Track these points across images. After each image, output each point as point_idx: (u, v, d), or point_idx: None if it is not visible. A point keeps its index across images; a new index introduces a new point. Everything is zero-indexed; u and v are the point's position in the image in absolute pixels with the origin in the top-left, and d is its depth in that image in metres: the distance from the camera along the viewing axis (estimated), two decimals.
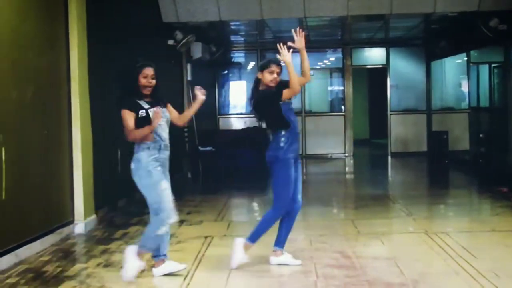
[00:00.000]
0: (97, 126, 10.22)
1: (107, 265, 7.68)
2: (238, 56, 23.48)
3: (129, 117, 7.03)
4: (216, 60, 19.63)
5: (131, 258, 6.90)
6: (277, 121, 7.30)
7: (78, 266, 7.64)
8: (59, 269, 7.50)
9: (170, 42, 15.68)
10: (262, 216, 7.61)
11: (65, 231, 9.30)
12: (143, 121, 7.04)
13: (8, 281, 7.01)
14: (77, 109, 9.59)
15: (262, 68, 7.52)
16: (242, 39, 21.63)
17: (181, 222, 10.30)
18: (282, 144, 7.27)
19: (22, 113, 8.16)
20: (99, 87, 10.43)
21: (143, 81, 7.10)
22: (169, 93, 15.47)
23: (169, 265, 7.16)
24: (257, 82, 7.51)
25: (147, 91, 7.16)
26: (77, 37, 9.63)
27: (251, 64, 23.02)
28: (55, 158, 9.22)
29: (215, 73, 21.89)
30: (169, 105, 7.55)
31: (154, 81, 7.20)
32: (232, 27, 18.58)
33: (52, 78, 9.19)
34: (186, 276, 7.08)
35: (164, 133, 7.27)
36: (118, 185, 11.53)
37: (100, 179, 10.35)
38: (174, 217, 7.06)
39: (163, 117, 7.19)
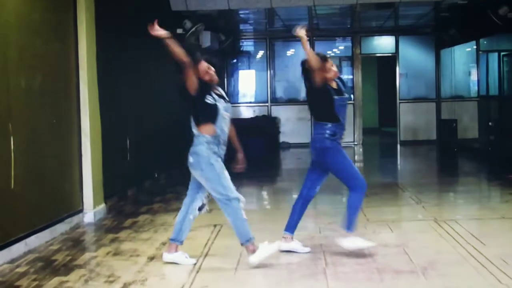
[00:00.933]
0: (106, 115, 10.22)
1: (116, 253, 7.70)
2: (247, 45, 23.45)
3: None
4: (225, 49, 19.62)
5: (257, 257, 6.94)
6: (327, 115, 7.34)
7: (87, 255, 7.67)
8: (69, 258, 7.52)
9: (179, 31, 15.66)
10: (347, 202, 7.52)
11: (74, 220, 9.32)
12: (210, 109, 7.04)
13: (17, 270, 7.03)
14: (85, 97, 9.58)
15: (324, 58, 7.50)
16: (251, 27, 21.63)
17: None
18: (327, 135, 7.27)
19: (30, 102, 8.17)
20: (108, 75, 10.43)
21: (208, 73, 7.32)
22: (177, 81, 15.50)
23: (179, 256, 7.15)
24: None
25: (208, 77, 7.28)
26: (85, 25, 9.62)
27: (260, 53, 22.98)
28: (64, 147, 9.23)
29: (224, 62, 21.86)
30: None
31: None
32: (241, 15, 18.58)
33: (61, 67, 9.19)
34: (195, 264, 7.09)
35: (226, 128, 7.11)
36: (127, 174, 11.55)
37: (109, 168, 10.36)
38: (242, 199, 7.11)
39: (227, 111, 7.12)
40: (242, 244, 7.03)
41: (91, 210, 9.64)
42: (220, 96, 7.20)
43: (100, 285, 6.46)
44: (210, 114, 6.98)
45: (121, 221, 9.58)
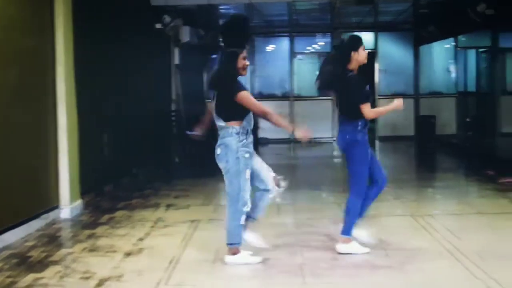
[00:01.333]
0: (83, 111, 10.15)
1: (92, 249, 7.65)
2: None
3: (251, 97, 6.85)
4: (205, 44, 19.57)
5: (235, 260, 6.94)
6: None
7: (63, 251, 7.63)
8: (44, 254, 7.46)
9: (158, 25, 15.62)
10: (346, 206, 7.39)
11: (50, 216, 9.24)
12: (242, 106, 6.85)
13: None
14: (62, 93, 9.50)
15: (357, 44, 7.32)
16: None
17: (168, 206, 10.34)
18: (359, 128, 7.20)
19: (6, 97, 8.11)
20: (86, 70, 10.36)
21: (243, 62, 6.96)
22: (157, 77, 15.48)
23: (243, 257, 7.02)
24: (346, 59, 7.29)
25: (245, 72, 7.01)
26: (63, 20, 9.53)
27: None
28: (41, 143, 9.16)
29: (203, 57, 21.79)
30: None
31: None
32: (221, 10, 18.54)
33: (37, 62, 9.11)
34: (172, 260, 7.06)
35: (253, 118, 6.96)
36: (105, 170, 11.50)
37: (86, 164, 10.29)
38: (249, 205, 6.92)
39: None
40: (227, 244, 6.98)
41: (68, 206, 9.57)
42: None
43: (75, 281, 6.42)
44: (243, 110, 6.82)
45: (98, 217, 9.53)
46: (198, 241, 7.99)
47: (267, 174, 7.00)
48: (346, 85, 7.19)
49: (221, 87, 6.89)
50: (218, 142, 6.92)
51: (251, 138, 6.93)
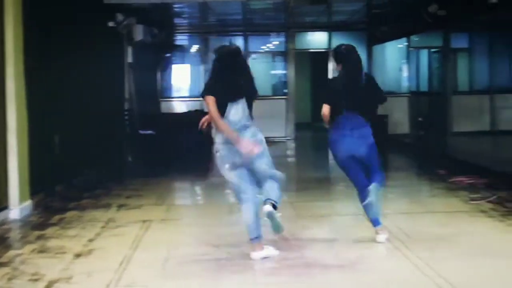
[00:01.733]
0: (34, 110, 10.03)
1: (42, 251, 7.56)
2: (182, 39, 23.31)
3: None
4: (159, 42, 19.49)
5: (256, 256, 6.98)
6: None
7: (12, 253, 7.51)
8: None
9: (111, 23, 15.51)
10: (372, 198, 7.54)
11: None
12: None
13: None
14: (12, 92, 9.38)
15: None
16: (186, 21, 21.52)
17: (120, 206, 10.25)
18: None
19: None
20: (36, 70, 10.24)
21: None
22: (109, 76, 15.36)
23: (267, 250, 7.08)
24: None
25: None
26: (12, 19, 9.40)
27: (195, 47, 22.89)
28: None
29: (157, 56, 21.70)
30: None
31: None
32: (175, 9, 18.46)
33: None
34: (123, 261, 7.00)
35: (235, 117, 7.10)
36: (56, 170, 11.37)
37: (37, 164, 10.16)
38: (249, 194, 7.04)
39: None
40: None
41: (17, 207, 9.44)
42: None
43: (24, 283, 6.33)
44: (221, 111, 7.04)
45: (48, 218, 9.41)
46: (149, 242, 7.93)
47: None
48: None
49: None
50: None
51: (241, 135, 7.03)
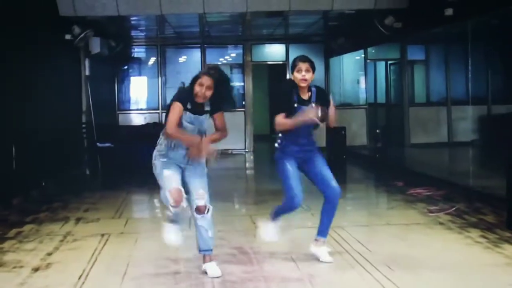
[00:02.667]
0: None
1: None
2: (139, 51, 23.25)
3: (177, 109, 6.76)
4: (116, 55, 19.43)
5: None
6: None
7: None
8: None
9: (68, 36, 15.42)
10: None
11: None
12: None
13: None
14: None
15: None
16: (143, 34, 21.48)
17: (78, 219, 10.18)
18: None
19: None
20: None
21: (196, 89, 6.80)
22: (66, 88, 15.26)
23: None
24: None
25: (199, 100, 6.86)
26: None
27: (152, 60, 22.84)
28: None
29: (114, 68, 21.63)
30: (219, 115, 7.21)
31: (208, 93, 6.83)
32: (131, 22, 18.41)
33: None
34: (81, 275, 6.95)
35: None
36: (13, 182, 11.26)
37: None
38: (173, 205, 6.80)
39: (193, 123, 6.94)
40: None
41: None
42: (194, 108, 6.93)
43: None
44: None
45: (5, 231, 9.30)
46: (108, 255, 7.89)
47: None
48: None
49: None
50: None
51: (177, 153, 6.93)
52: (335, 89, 22.62)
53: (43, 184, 13.07)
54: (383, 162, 17.26)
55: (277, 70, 23.76)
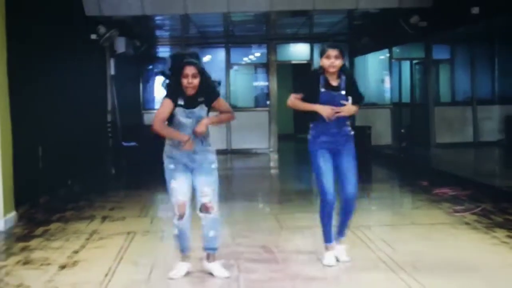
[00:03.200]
0: (18, 122, 10.01)
1: (26, 262, 7.54)
2: (163, 51, 23.35)
3: (166, 106, 6.75)
4: (141, 54, 19.52)
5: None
6: None
7: None
8: None
9: (93, 36, 15.52)
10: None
11: None
12: (172, 118, 6.83)
13: None
14: None
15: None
16: (167, 33, 21.55)
17: (103, 218, 10.23)
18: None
19: None
20: (20, 81, 10.22)
21: (184, 81, 6.73)
22: (92, 88, 15.36)
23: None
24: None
25: (189, 92, 6.78)
26: None
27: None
28: None
29: (139, 68, 21.72)
30: (217, 101, 6.99)
31: (195, 81, 6.73)
32: (156, 21, 18.49)
33: None
34: (107, 273, 7.00)
35: (186, 131, 6.78)
36: (40, 181, 11.35)
37: (21, 175, 10.14)
38: (176, 221, 6.90)
39: (189, 117, 6.81)
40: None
41: (1, 218, 9.40)
42: (188, 102, 6.85)
43: None
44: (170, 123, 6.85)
45: (32, 229, 9.39)
46: (134, 253, 7.93)
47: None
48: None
49: None
50: None
51: (183, 152, 6.86)
52: (360, 88, 22.54)
53: (69, 183, 13.14)
54: (407, 161, 17.20)
55: (301, 70, 23.76)
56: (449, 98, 21.51)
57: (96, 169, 15.29)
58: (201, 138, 6.85)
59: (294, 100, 7.32)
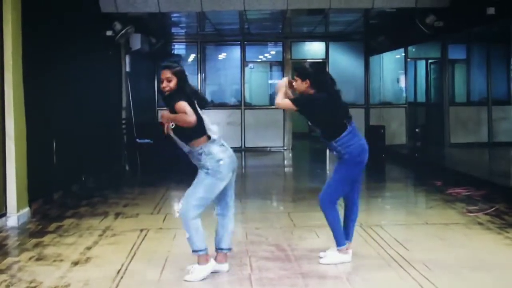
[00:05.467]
0: (32, 117, 10.04)
1: (39, 258, 7.56)
2: (179, 48, 23.39)
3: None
4: (156, 51, 19.53)
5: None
6: None
7: (9, 260, 7.52)
8: None
9: (109, 33, 15.54)
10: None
11: None
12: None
13: None
14: (10, 100, 9.40)
15: None
16: (183, 31, 21.58)
17: (117, 214, 10.26)
18: None
19: None
20: (35, 77, 10.25)
21: (161, 85, 6.87)
22: (107, 84, 15.39)
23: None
24: None
25: (165, 92, 6.87)
26: (11, 26, 9.42)
27: (192, 56, 22.94)
28: None
29: (154, 65, 21.74)
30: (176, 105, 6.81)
31: (169, 85, 6.80)
32: (172, 18, 18.51)
33: None
34: (120, 269, 7.02)
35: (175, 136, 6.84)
36: (53, 177, 11.39)
37: (35, 171, 10.18)
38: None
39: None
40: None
41: (15, 214, 9.45)
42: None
43: None
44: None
45: (46, 225, 9.42)
46: (147, 250, 7.95)
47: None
48: None
49: None
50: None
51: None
52: (375, 88, 22.56)
53: (83, 179, 13.18)
54: (422, 161, 17.16)
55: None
56: (464, 98, 21.46)
57: (110, 165, 15.33)
58: (190, 149, 6.77)
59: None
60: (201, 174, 6.80)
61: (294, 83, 7.35)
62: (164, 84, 6.79)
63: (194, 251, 6.79)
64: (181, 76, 6.86)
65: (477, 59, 21.48)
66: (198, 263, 6.79)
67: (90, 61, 13.87)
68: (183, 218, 6.75)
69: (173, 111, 6.64)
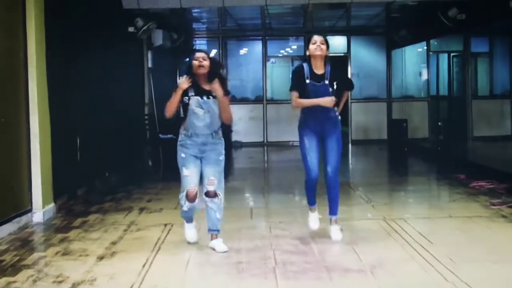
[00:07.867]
0: (56, 113, 10.11)
1: (65, 253, 7.63)
2: (200, 44, 23.42)
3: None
4: (178, 47, 19.58)
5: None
6: None
7: (36, 255, 7.59)
8: (17, 258, 7.43)
9: (131, 29, 15.60)
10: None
11: (23, 220, 9.20)
12: (185, 107, 7.56)
13: None
14: (34, 96, 9.46)
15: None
16: (204, 26, 21.62)
17: (141, 209, 10.32)
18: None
19: None
20: (58, 73, 10.31)
21: (195, 63, 7.45)
22: (129, 80, 15.46)
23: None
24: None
25: (201, 71, 7.47)
26: (35, 23, 9.48)
27: (213, 52, 22.97)
28: (12, 147, 9.10)
29: (176, 61, 21.79)
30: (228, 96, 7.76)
31: (205, 63, 7.44)
32: (193, 14, 18.56)
33: (9, 65, 9.05)
34: (145, 264, 7.07)
35: (199, 122, 7.52)
36: (78, 173, 11.46)
37: (59, 167, 10.25)
38: (186, 203, 7.72)
39: (202, 107, 7.51)
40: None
41: (40, 210, 9.53)
42: (201, 92, 7.51)
43: (48, 285, 6.39)
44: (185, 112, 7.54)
45: (71, 221, 9.50)
46: (171, 244, 8.00)
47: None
48: None
49: None
50: None
51: (195, 142, 7.57)
52: (397, 81, 22.49)
53: (107, 175, 13.26)
54: (444, 154, 17.11)
55: (338, 62, 23.70)
56: (487, 91, 21.35)
57: (133, 161, 15.40)
58: (212, 132, 7.55)
59: (297, 100, 7.90)
60: (218, 160, 7.70)
61: (323, 46, 7.80)
62: (202, 62, 7.40)
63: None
64: (213, 61, 7.58)
65: (500, 52, 21.36)
66: None
67: (113, 57, 13.94)
68: (222, 204, 7.76)
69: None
